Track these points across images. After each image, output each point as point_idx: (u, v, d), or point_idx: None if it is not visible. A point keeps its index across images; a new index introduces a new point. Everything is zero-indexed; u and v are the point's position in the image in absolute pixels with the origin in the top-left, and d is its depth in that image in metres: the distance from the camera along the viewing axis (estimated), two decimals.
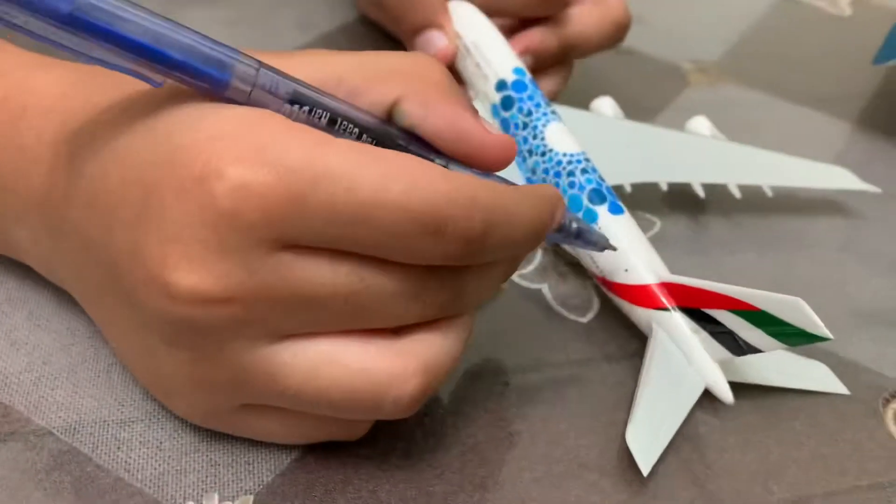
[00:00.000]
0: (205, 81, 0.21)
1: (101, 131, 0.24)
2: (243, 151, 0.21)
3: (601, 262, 0.32)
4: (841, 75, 0.54)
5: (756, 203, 0.40)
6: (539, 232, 0.25)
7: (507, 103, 0.36)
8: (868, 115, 0.50)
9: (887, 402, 0.32)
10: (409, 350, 0.23)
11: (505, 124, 0.36)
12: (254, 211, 0.20)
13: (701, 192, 0.38)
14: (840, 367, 0.33)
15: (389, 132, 0.24)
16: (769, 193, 0.39)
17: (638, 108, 0.47)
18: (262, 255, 0.21)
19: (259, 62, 0.22)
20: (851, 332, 0.35)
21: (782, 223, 0.40)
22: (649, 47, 0.54)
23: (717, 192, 0.39)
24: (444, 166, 0.25)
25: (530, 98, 0.35)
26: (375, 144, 0.24)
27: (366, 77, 0.24)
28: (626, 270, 0.31)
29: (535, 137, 0.34)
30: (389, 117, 0.25)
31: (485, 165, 0.25)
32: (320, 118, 0.23)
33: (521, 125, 0.35)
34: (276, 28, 0.51)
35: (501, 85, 0.36)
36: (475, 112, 0.25)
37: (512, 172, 0.35)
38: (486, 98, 0.37)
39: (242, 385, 0.24)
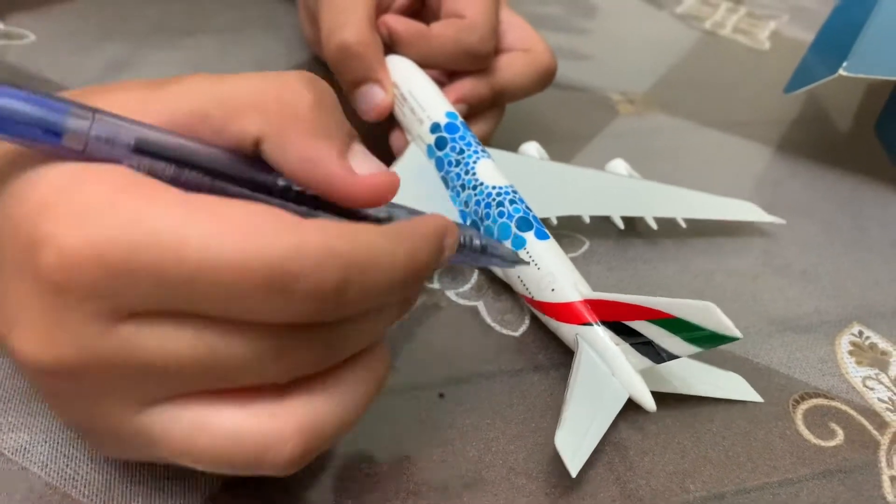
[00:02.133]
0: (37, 140, 0.19)
1: None
2: (65, 217, 0.19)
3: (529, 283, 0.33)
4: (761, 104, 0.55)
5: (674, 229, 0.41)
6: (418, 272, 0.22)
7: (440, 143, 0.37)
8: (786, 140, 0.51)
9: (797, 403, 0.33)
10: (287, 411, 0.21)
11: (439, 162, 0.37)
12: (78, 283, 0.18)
13: (621, 224, 0.39)
14: (754, 371, 0.33)
15: (253, 177, 0.22)
16: (683, 225, 0.40)
17: (571, 136, 0.48)
18: (99, 326, 0.19)
19: (94, 111, 0.20)
20: (764, 338, 0.35)
21: (700, 242, 0.41)
22: (582, 80, 0.55)
23: (635, 222, 0.40)
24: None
25: (461, 138, 0.36)
26: (240, 188, 0.22)
27: (227, 111, 0.21)
28: (553, 290, 0.31)
29: (466, 173, 0.35)
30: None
31: (354, 207, 0.23)
32: (164, 169, 0.21)
33: (454, 162, 0.36)
34: (234, 68, 0.51)
35: (435, 127, 0.37)
36: (343, 147, 0.22)
37: (446, 204, 0.36)
38: (421, 140, 0.38)
39: (125, 443, 0.22)
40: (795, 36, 0.66)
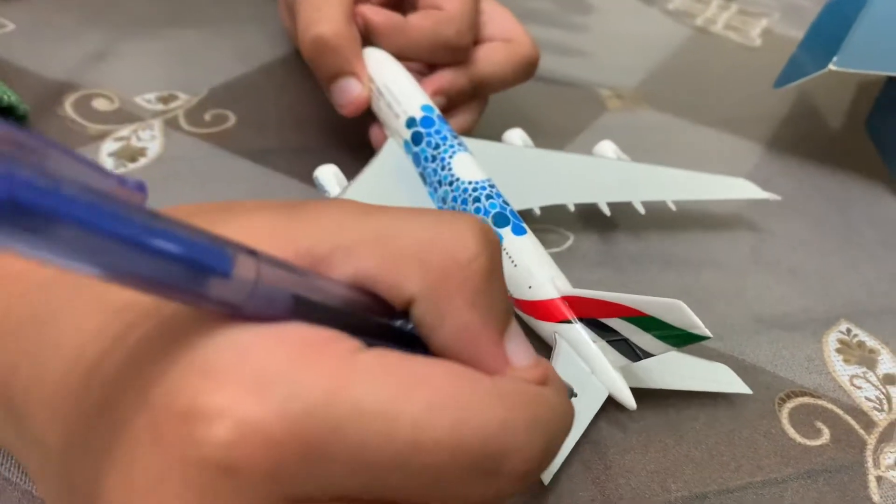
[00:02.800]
0: (178, 292, 0.15)
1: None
2: (241, 385, 0.15)
3: (506, 281, 0.32)
4: (751, 101, 0.54)
5: (662, 219, 0.40)
6: (572, 421, 0.20)
7: (416, 138, 0.36)
8: (777, 137, 0.51)
9: (783, 401, 0.32)
10: None
11: (416, 158, 0.36)
12: (254, 465, 0.15)
13: (607, 211, 0.37)
14: (740, 369, 0.32)
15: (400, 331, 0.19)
16: (672, 208, 0.39)
17: (558, 131, 0.47)
18: None
19: (257, 254, 0.16)
20: (751, 336, 0.35)
21: (688, 237, 0.40)
22: (571, 75, 0.54)
23: (623, 211, 0.39)
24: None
25: (437, 132, 0.36)
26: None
27: (382, 257, 0.18)
28: (530, 287, 0.31)
29: (443, 168, 0.34)
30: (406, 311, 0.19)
31: None
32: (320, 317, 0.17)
33: (430, 158, 0.35)
34: (215, 58, 0.50)
35: (411, 122, 0.36)
36: (503, 327, 0.19)
37: (425, 201, 0.35)
38: (398, 135, 0.37)
39: None
40: (787, 33, 0.65)
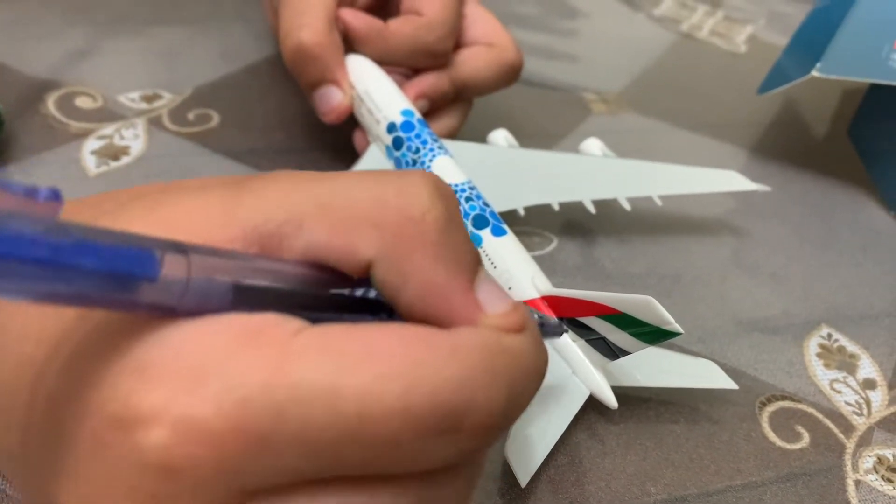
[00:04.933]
0: (106, 301, 0.14)
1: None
2: (175, 382, 0.15)
3: None
4: (736, 106, 0.55)
5: (645, 223, 0.40)
6: (545, 369, 0.19)
7: (397, 143, 0.36)
8: (760, 143, 0.51)
9: (763, 405, 0.32)
10: None
11: (398, 163, 0.36)
12: (197, 463, 0.14)
13: (592, 209, 0.37)
14: None
15: (362, 300, 0.19)
16: (659, 203, 0.39)
17: (543, 135, 0.47)
18: None
19: (187, 249, 0.15)
20: (732, 339, 0.35)
21: (671, 241, 0.40)
22: (556, 79, 0.54)
23: (609, 211, 0.39)
24: None
25: (417, 136, 0.36)
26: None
27: (332, 225, 0.17)
28: (510, 289, 0.31)
29: None
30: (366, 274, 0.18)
31: None
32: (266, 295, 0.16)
33: (410, 162, 0.35)
34: (199, 58, 0.50)
35: (391, 127, 0.36)
36: (471, 275, 0.18)
37: None
38: (380, 140, 0.37)
39: None
40: (772, 40, 0.66)
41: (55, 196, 0.13)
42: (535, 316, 0.24)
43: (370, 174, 0.19)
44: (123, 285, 0.14)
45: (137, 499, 0.15)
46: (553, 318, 0.27)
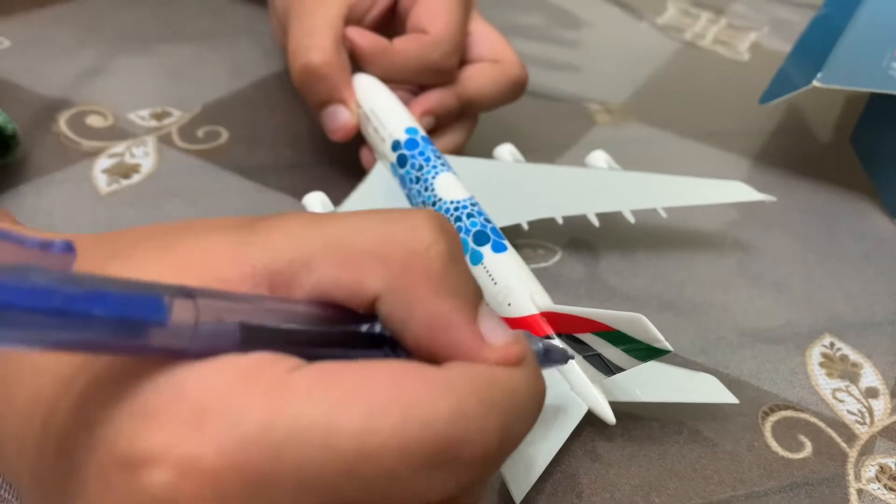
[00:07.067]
0: (116, 347, 0.15)
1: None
2: (177, 424, 0.15)
3: (486, 299, 0.32)
4: (739, 115, 0.55)
5: (648, 235, 0.41)
6: (543, 399, 0.19)
7: (401, 161, 0.37)
8: (764, 151, 0.51)
9: (766, 415, 0.32)
10: None
11: (402, 180, 0.37)
12: (200, 501, 0.15)
13: (596, 222, 0.38)
14: (723, 383, 0.33)
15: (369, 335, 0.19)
16: (663, 215, 0.39)
17: (548, 146, 0.48)
18: None
19: (194, 293, 0.16)
20: (735, 350, 0.35)
21: (674, 252, 0.41)
22: (560, 89, 0.55)
23: (612, 224, 0.40)
24: None
25: (421, 154, 0.36)
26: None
27: (340, 261, 0.18)
28: (510, 305, 0.31)
29: (426, 189, 0.35)
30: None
31: None
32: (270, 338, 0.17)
33: (414, 179, 0.36)
34: (208, 74, 0.51)
35: (396, 145, 0.37)
36: (474, 308, 0.19)
37: None
38: (385, 158, 0.38)
39: None
40: (775, 48, 0.66)
41: (68, 248, 0.14)
42: (540, 344, 0.25)
43: (375, 213, 0.19)
44: (134, 331, 0.15)
45: None
46: (559, 345, 0.27)
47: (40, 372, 0.18)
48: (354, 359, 0.17)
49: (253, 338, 0.17)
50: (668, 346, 0.25)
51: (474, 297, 0.19)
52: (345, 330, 0.19)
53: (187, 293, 0.16)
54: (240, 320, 0.16)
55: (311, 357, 0.17)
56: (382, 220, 0.19)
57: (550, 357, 0.25)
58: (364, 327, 0.19)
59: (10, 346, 0.13)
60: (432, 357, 0.18)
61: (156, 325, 0.15)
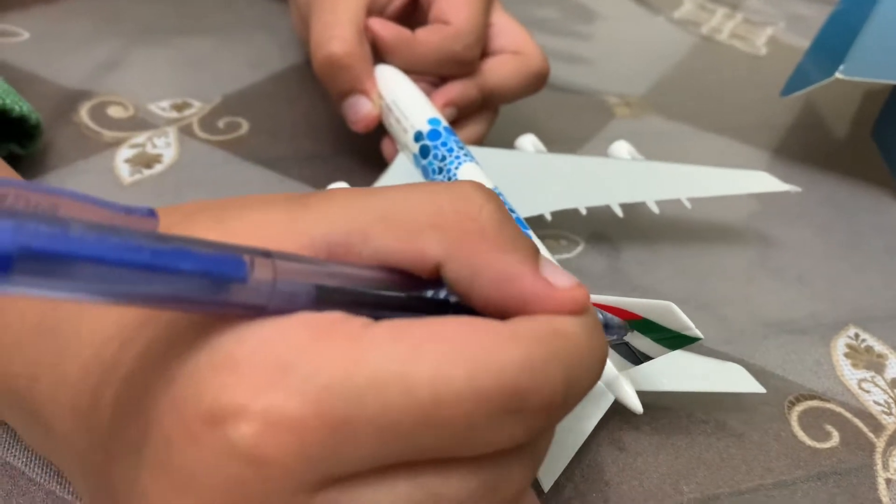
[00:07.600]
0: (198, 303, 0.15)
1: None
2: (260, 377, 0.16)
3: None
4: (758, 108, 0.55)
5: (671, 226, 0.41)
6: (605, 355, 0.20)
7: (424, 152, 0.37)
8: (783, 145, 0.51)
9: (792, 405, 0.32)
10: None
11: (425, 171, 0.37)
12: (285, 452, 0.15)
13: (620, 212, 0.38)
14: (750, 373, 0.33)
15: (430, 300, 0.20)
16: (688, 206, 0.39)
17: (566, 138, 0.48)
18: (301, 500, 0.16)
19: (271, 255, 0.16)
20: (759, 341, 0.35)
21: (697, 243, 0.41)
22: (579, 83, 0.55)
23: (636, 214, 0.40)
24: None
25: (444, 144, 0.36)
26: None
27: (397, 233, 0.19)
28: None
29: (449, 180, 0.35)
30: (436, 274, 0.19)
31: None
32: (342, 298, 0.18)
33: (437, 170, 0.36)
34: (227, 66, 0.51)
35: (418, 136, 0.37)
36: (535, 259, 0.19)
37: None
38: (408, 149, 0.38)
39: None
40: (792, 42, 0.66)
41: (151, 213, 0.15)
42: (600, 315, 0.25)
43: (421, 185, 0.20)
44: (217, 287, 0.15)
45: (229, 487, 0.16)
46: (617, 318, 0.27)
47: (98, 333, 0.19)
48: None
49: (326, 298, 0.17)
50: (698, 333, 0.25)
51: (532, 249, 0.20)
52: (411, 294, 0.19)
53: (265, 253, 0.16)
54: (313, 281, 0.17)
55: (378, 319, 0.17)
56: (430, 191, 0.19)
57: (609, 330, 0.26)
58: (429, 293, 0.20)
59: (100, 299, 0.14)
60: (502, 315, 0.19)
61: (238, 281, 0.15)
